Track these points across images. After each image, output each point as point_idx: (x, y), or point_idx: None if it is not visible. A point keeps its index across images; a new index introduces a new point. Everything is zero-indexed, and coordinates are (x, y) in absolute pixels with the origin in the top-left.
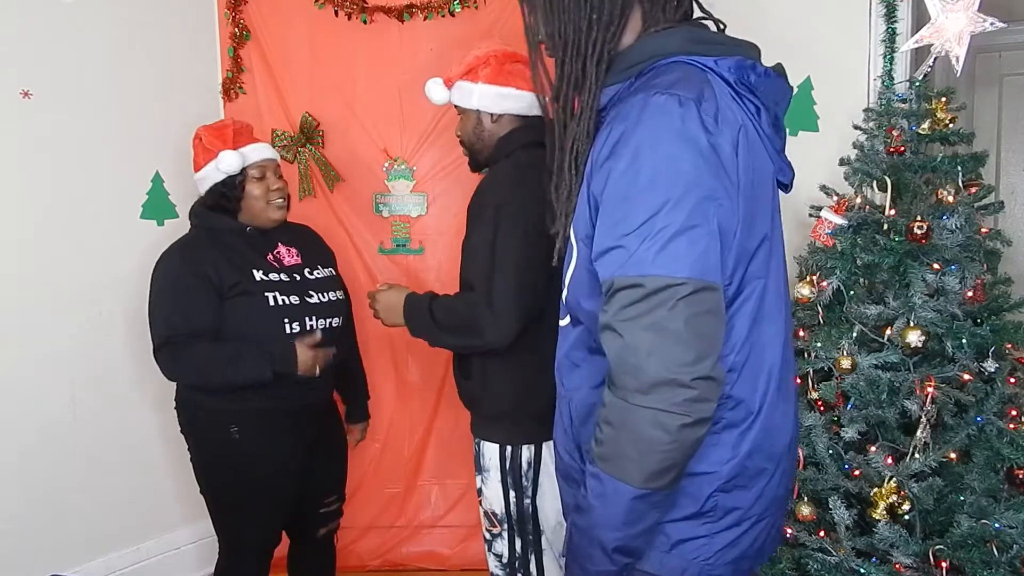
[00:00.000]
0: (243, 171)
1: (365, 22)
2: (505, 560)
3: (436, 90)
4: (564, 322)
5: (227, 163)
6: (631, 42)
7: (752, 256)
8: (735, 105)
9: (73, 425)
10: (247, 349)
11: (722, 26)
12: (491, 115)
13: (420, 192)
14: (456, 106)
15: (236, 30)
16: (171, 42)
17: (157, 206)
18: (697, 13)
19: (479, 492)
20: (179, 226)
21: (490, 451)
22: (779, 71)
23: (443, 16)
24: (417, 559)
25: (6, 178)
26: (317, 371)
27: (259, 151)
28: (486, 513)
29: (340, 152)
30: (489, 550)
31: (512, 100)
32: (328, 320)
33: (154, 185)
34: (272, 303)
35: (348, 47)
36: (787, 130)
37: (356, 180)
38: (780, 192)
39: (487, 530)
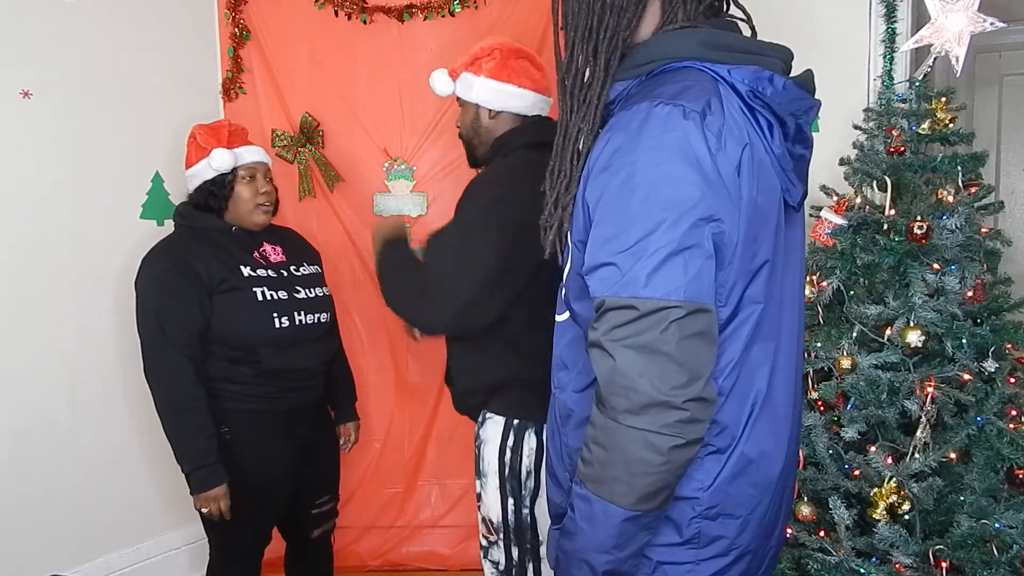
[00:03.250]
0: (234, 171)
1: (365, 22)
2: (502, 567)
3: (440, 81)
4: (562, 318)
5: (219, 161)
6: (648, 35)
7: (752, 279)
8: (744, 120)
9: (72, 425)
10: (202, 439)
11: (751, 25)
12: (489, 111)
13: (420, 192)
14: (458, 97)
15: (236, 30)
16: (171, 42)
17: (157, 206)
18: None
19: (478, 497)
20: None
21: (489, 453)
22: (801, 81)
23: (443, 16)
24: (417, 559)
25: (6, 178)
26: (203, 509)
27: (252, 153)
28: (483, 519)
29: (340, 152)
30: (485, 556)
31: (512, 98)
32: (316, 315)
33: (154, 185)
34: (261, 298)
35: (348, 47)
36: (812, 140)
37: (356, 180)
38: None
39: (484, 536)
